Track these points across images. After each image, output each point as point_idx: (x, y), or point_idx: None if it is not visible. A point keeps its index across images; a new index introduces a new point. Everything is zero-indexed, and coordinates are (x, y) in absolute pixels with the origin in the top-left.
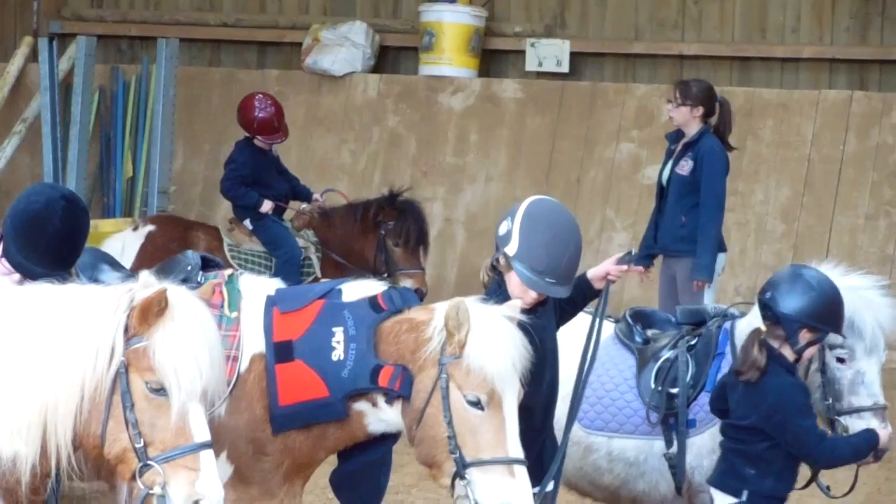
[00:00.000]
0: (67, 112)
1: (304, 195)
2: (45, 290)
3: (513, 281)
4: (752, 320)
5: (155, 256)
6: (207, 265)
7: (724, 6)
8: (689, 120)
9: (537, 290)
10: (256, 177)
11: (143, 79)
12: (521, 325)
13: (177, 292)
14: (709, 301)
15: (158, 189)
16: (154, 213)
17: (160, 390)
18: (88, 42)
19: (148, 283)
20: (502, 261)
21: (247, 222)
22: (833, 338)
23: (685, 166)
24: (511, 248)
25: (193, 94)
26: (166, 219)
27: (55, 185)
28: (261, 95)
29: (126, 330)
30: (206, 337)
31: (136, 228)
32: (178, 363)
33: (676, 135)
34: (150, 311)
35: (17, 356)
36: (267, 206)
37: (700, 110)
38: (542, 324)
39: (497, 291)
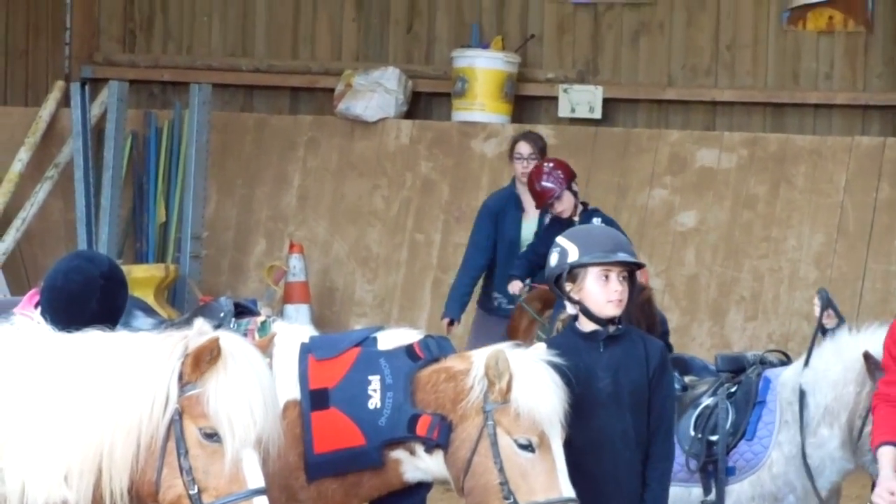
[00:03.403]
0: (100, 157)
1: None
2: (98, 338)
3: (589, 287)
4: (798, 368)
5: None
6: (241, 312)
7: (756, 52)
8: None
9: (613, 259)
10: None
11: (176, 124)
12: (556, 366)
13: (231, 340)
14: None
15: (191, 234)
16: (186, 258)
17: (214, 437)
18: (121, 87)
19: (202, 331)
20: (569, 285)
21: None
22: None
23: None
24: (573, 255)
25: (226, 140)
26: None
27: (94, 256)
28: (536, 165)
29: (180, 377)
30: (261, 384)
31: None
32: (232, 410)
33: None
34: (204, 359)
35: (68, 403)
36: (512, 286)
37: None
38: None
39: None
